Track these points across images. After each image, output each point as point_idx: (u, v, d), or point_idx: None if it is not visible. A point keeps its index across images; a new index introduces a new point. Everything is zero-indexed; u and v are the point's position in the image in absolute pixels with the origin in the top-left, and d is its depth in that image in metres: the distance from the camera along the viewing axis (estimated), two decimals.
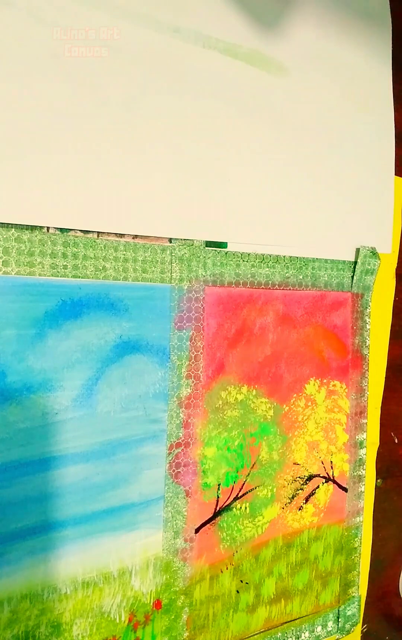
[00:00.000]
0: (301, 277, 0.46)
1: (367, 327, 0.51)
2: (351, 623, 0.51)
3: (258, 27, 0.42)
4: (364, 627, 0.54)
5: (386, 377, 0.54)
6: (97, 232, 0.35)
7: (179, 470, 0.39)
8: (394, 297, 0.54)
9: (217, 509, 0.42)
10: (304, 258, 0.46)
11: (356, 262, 0.49)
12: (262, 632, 0.45)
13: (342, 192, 0.48)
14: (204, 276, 0.40)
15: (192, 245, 0.39)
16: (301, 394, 0.46)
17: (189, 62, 0.39)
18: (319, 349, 0.47)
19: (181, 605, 0.40)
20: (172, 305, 0.39)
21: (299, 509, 0.47)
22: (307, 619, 0.48)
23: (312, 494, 0.48)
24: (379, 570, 0.55)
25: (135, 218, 0.36)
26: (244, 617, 0.44)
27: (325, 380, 0.48)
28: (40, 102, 0.33)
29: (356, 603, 0.52)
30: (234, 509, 0.43)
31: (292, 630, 0.47)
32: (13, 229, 0.32)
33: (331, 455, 0.49)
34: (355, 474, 0.51)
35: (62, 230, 0.34)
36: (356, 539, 0.51)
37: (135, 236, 0.37)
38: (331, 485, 0.49)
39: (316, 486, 0.48)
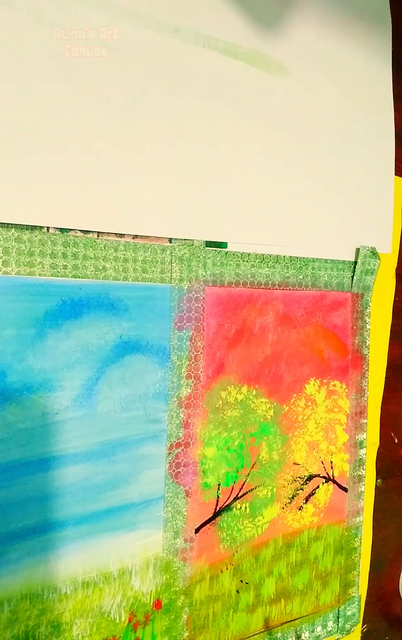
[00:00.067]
0: (301, 277, 0.46)
1: (367, 327, 0.51)
2: (351, 623, 0.51)
3: (258, 27, 0.42)
4: (364, 627, 0.54)
5: (386, 377, 0.54)
6: (97, 232, 0.35)
7: (179, 470, 0.39)
8: (394, 297, 0.54)
9: (217, 509, 0.42)
10: (304, 258, 0.46)
11: (356, 262, 0.49)
12: (262, 632, 0.45)
13: (342, 192, 0.48)
14: (204, 276, 0.40)
15: (192, 245, 0.39)
16: (301, 394, 0.46)
17: (189, 62, 0.39)
18: (319, 349, 0.47)
19: (181, 605, 0.40)
20: (172, 305, 0.39)
21: (299, 509, 0.47)
22: (307, 619, 0.48)
23: (312, 494, 0.48)
24: (379, 570, 0.55)
25: (135, 218, 0.36)
26: (244, 617, 0.44)
27: (325, 380, 0.48)
28: (40, 102, 0.33)
29: (356, 603, 0.52)
30: (234, 509, 0.43)
31: (292, 630, 0.47)
32: (13, 229, 0.32)
33: (331, 455, 0.49)
34: (355, 474, 0.51)
35: (62, 230, 0.34)
36: (356, 539, 0.51)
37: (135, 236, 0.37)
38: (331, 485, 0.49)
39: (316, 486, 0.48)
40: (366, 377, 0.51)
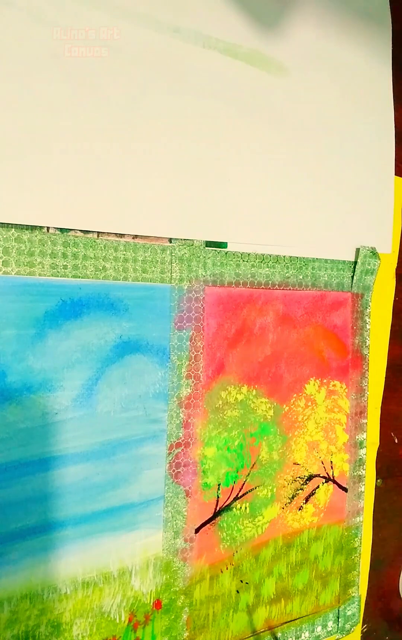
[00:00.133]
0: (301, 277, 0.46)
1: (367, 327, 0.51)
2: (351, 623, 0.51)
3: (258, 27, 0.42)
4: (364, 627, 0.54)
5: (386, 377, 0.54)
6: (97, 232, 0.35)
7: (179, 470, 0.39)
8: (394, 297, 0.54)
9: (217, 509, 0.42)
10: (304, 258, 0.46)
11: (356, 262, 0.49)
12: (262, 632, 0.45)
13: (342, 192, 0.48)
14: (204, 276, 0.40)
15: (192, 245, 0.39)
16: (301, 394, 0.46)
17: (189, 62, 0.39)
18: (319, 349, 0.47)
19: (181, 605, 0.40)
20: (172, 305, 0.39)
21: (299, 509, 0.47)
22: (307, 619, 0.48)
23: (312, 494, 0.48)
24: (379, 570, 0.55)
25: (135, 218, 0.36)
26: (244, 617, 0.44)
27: (325, 380, 0.48)
28: (40, 102, 0.33)
29: (356, 603, 0.52)
30: (234, 509, 0.43)
31: (292, 630, 0.47)
32: (13, 229, 0.32)
33: (331, 455, 0.49)
34: (355, 474, 0.51)
35: (62, 230, 0.34)
36: (356, 539, 0.51)
37: (135, 236, 0.37)
38: (331, 485, 0.49)
39: (316, 486, 0.48)
40: (366, 377, 0.51)
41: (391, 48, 0.52)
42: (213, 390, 0.41)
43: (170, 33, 0.38)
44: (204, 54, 0.39)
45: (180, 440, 0.39)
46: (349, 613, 0.51)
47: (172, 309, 0.39)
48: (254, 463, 0.44)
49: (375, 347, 0.52)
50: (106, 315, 0.36)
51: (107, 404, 0.36)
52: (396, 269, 0.54)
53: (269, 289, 0.44)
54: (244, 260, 0.42)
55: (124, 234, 0.37)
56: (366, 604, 0.54)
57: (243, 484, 0.43)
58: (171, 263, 0.38)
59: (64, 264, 0.34)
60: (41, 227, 0.33)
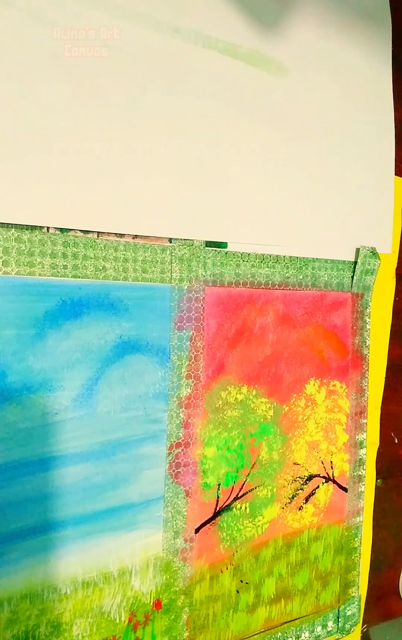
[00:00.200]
0: (301, 277, 0.46)
1: (367, 327, 0.51)
2: (351, 623, 0.51)
3: (258, 27, 0.42)
4: (364, 627, 0.54)
5: (386, 377, 0.54)
6: (97, 232, 0.35)
7: (179, 470, 0.39)
8: (394, 297, 0.54)
9: (217, 509, 0.42)
10: (304, 258, 0.46)
11: (356, 262, 0.49)
12: (262, 632, 0.45)
13: (342, 192, 0.48)
14: (204, 276, 0.40)
15: (192, 245, 0.39)
16: (301, 394, 0.46)
17: (189, 62, 0.39)
18: (319, 349, 0.47)
19: (181, 605, 0.40)
20: (172, 305, 0.39)
21: (299, 509, 0.47)
22: (307, 619, 0.48)
23: (312, 494, 0.48)
24: (379, 570, 0.55)
25: (135, 218, 0.36)
26: (244, 617, 0.44)
27: (325, 380, 0.48)
28: (40, 102, 0.33)
29: (356, 603, 0.52)
30: (234, 509, 0.43)
31: (292, 630, 0.47)
32: (13, 229, 0.32)
33: (331, 455, 0.49)
34: (355, 474, 0.51)
35: (62, 230, 0.34)
36: (356, 539, 0.51)
37: (135, 236, 0.37)
38: (331, 485, 0.49)
39: (316, 486, 0.48)
40: (366, 377, 0.51)
41: (391, 48, 0.52)
42: (213, 390, 0.41)
43: (170, 33, 0.38)
44: (204, 54, 0.39)
45: (180, 440, 0.39)
46: (349, 613, 0.51)
47: (172, 309, 0.39)
48: (254, 463, 0.44)
49: (375, 347, 0.52)
50: (106, 315, 0.36)
51: (107, 404, 0.36)
52: (396, 269, 0.54)
53: (269, 289, 0.44)
54: (244, 260, 0.42)
55: (124, 234, 0.37)
56: (366, 604, 0.54)
57: (243, 484, 0.43)
58: (171, 263, 0.38)
59: (64, 264, 0.34)
60: (41, 227, 0.33)
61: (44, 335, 0.33)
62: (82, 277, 0.35)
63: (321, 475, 0.48)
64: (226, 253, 0.41)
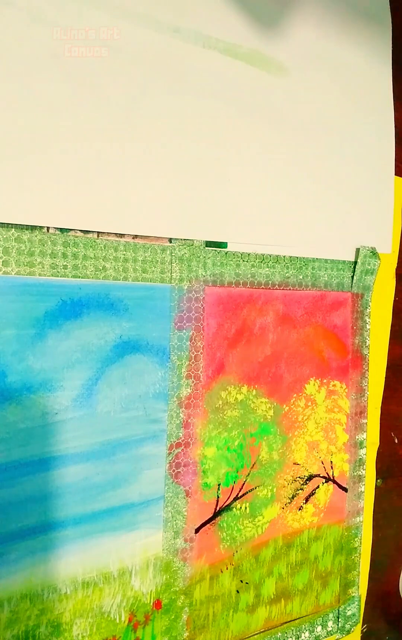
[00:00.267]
0: (301, 277, 0.46)
1: (367, 327, 0.51)
2: (351, 623, 0.51)
3: (258, 27, 0.42)
4: (364, 627, 0.54)
5: (386, 377, 0.54)
6: (97, 232, 0.35)
7: (179, 470, 0.39)
8: (394, 297, 0.54)
9: (217, 509, 0.42)
10: (304, 258, 0.46)
11: (356, 262, 0.49)
12: (262, 632, 0.45)
13: (342, 192, 0.48)
14: (204, 276, 0.40)
15: (192, 245, 0.39)
16: (301, 394, 0.46)
17: (189, 62, 0.39)
18: (319, 349, 0.47)
19: (181, 605, 0.40)
20: (172, 305, 0.39)
21: (299, 509, 0.47)
22: (307, 619, 0.48)
23: (312, 494, 0.48)
24: (379, 570, 0.55)
25: (135, 218, 0.36)
26: (244, 617, 0.44)
27: (325, 380, 0.48)
28: (40, 102, 0.33)
29: (356, 603, 0.52)
30: (234, 509, 0.43)
31: (292, 630, 0.47)
32: (13, 229, 0.32)
33: (331, 455, 0.49)
34: (355, 474, 0.51)
35: (62, 230, 0.34)
36: (356, 539, 0.51)
37: (135, 236, 0.37)
38: (331, 485, 0.49)
39: (316, 486, 0.48)
40: (366, 377, 0.51)
41: (391, 48, 0.52)
42: (213, 390, 0.41)
43: (170, 33, 0.38)
44: (204, 54, 0.39)
45: (180, 440, 0.39)
46: (349, 613, 0.51)
47: (172, 309, 0.39)
48: (254, 463, 0.44)
49: (375, 347, 0.52)
50: (106, 315, 0.36)
51: (107, 404, 0.36)
52: (396, 269, 0.54)
53: (269, 289, 0.44)
54: (244, 260, 0.42)
55: (124, 234, 0.37)
56: (366, 604, 0.54)
57: (243, 484, 0.43)
58: (171, 263, 0.38)
59: (64, 264, 0.34)
60: (41, 227, 0.33)
61: (44, 335, 0.33)
62: (82, 277, 0.35)
63: (321, 475, 0.48)
64: (226, 253, 0.41)
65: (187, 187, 0.39)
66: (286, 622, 0.47)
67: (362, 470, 0.51)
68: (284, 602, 0.47)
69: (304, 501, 0.47)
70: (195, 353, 0.40)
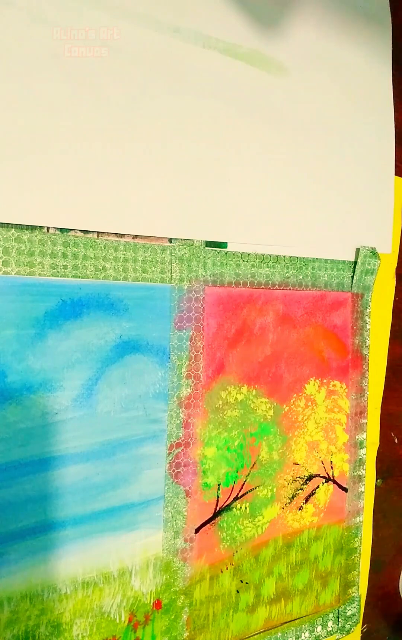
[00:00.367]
0: (301, 277, 0.46)
1: (367, 327, 0.51)
2: (351, 623, 0.51)
3: (258, 27, 0.42)
4: (364, 627, 0.54)
5: (386, 377, 0.54)
6: (97, 232, 0.35)
7: (179, 470, 0.39)
8: (394, 297, 0.54)
9: (217, 509, 0.42)
10: (304, 258, 0.46)
11: (356, 262, 0.49)
12: (262, 632, 0.45)
13: (342, 192, 0.48)
14: (204, 276, 0.40)
15: (192, 245, 0.39)
16: (301, 394, 0.46)
17: (189, 62, 0.39)
18: (319, 349, 0.47)
19: (181, 605, 0.40)
20: (172, 305, 0.39)
21: (299, 509, 0.47)
22: (307, 619, 0.48)
23: (312, 494, 0.48)
24: (379, 570, 0.55)
25: (135, 218, 0.36)
26: (244, 617, 0.44)
27: (325, 380, 0.48)
28: (40, 102, 0.33)
29: (356, 603, 0.52)
30: (234, 509, 0.43)
31: (292, 630, 0.47)
32: (13, 229, 0.32)
33: (331, 455, 0.49)
34: (355, 474, 0.51)
35: (62, 230, 0.34)
36: (356, 539, 0.51)
37: (135, 236, 0.37)
38: (331, 485, 0.49)
39: (316, 486, 0.48)
40: (366, 377, 0.51)
41: (391, 48, 0.52)
42: (213, 390, 0.41)
43: (170, 33, 0.38)
44: (204, 54, 0.39)
45: (180, 440, 0.39)
46: (349, 613, 0.51)
47: (172, 309, 0.39)
48: (254, 463, 0.44)
49: (375, 347, 0.52)
50: (106, 315, 0.36)
51: (107, 404, 0.36)
52: (396, 269, 0.54)
53: (269, 289, 0.44)
54: (244, 260, 0.42)
55: (124, 234, 0.37)
56: (366, 604, 0.54)
57: (243, 484, 0.43)
58: (171, 263, 0.38)
59: (64, 264, 0.34)
60: (41, 227, 0.33)
61: (44, 335, 0.33)
62: (82, 277, 0.35)
63: (321, 475, 0.48)
64: (226, 253, 0.41)
65: (187, 187, 0.39)
66: (286, 622, 0.47)
67: (362, 470, 0.51)
68: (284, 602, 0.47)
69: (304, 501, 0.47)
70: (195, 353, 0.40)
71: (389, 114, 0.52)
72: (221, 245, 0.41)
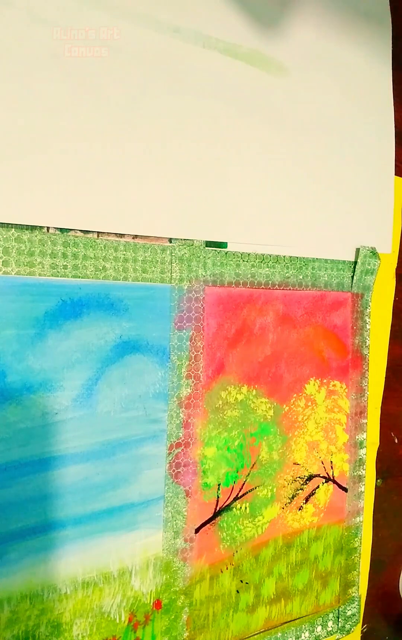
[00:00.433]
0: (301, 277, 0.46)
1: (367, 327, 0.51)
2: (351, 623, 0.51)
3: (258, 27, 0.42)
4: (364, 627, 0.54)
5: (386, 377, 0.54)
6: (97, 232, 0.35)
7: (179, 470, 0.39)
8: (394, 297, 0.54)
9: (217, 509, 0.42)
10: (304, 258, 0.46)
11: (356, 262, 0.49)
12: (262, 632, 0.45)
13: (342, 192, 0.48)
14: (204, 276, 0.40)
15: (192, 245, 0.39)
16: (301, 394, 0.46)
17: (189, 62, 0.39)
18: (319, 349, 0.47)
19: (181, 605, 0.40)
20: (172, 305, 0.39)
21: (299, 509, 0.47)
22: (307, 619, 0.48)
23: (312, 494, 0.48)
24: (379, 570, 0.55)
25: (135, 218, 0.36)
26: (244, 617, 0.44)
27: (325, 380, 0.48)
28: (40, 102, 0.33)
29: (356, 603, 0.52)
30: (234, 509, 0.43)
31: (292, 630, 0.47)
32: (13, 229, 0.32)
33: (331, 455, 0.49)
34: (355, 474, 0.51)
35: (62, 230, 0.34)
36: (356, 539, 0.51)
37: (135, 236, 0.37)
38: (331, 485, 0.49)
39: (316, 486, 0.48)
40: (366, 377, 0.51)
41: (391, 48, 0.52)
42: (213, 390, 0.41)
43: (170, 33, 0.38)
44: (204, 54, 0.39)
45: (180, 440, 0.39)
46: (349, 613, 0.51)
47: (172, 309, 0.39)
48: (254, 463, 0.44)
49: (375, 347, 0.52)
50: (106, 315, 0.36)
51: (107, 404, 0.36)
52: (396, 269, 0.54)
53: (269, 289, 0.44)
54: (244, 260, 0.42)
55: (124, 234, 0.37)
56: (366, 604, 0.54)
57: (243, 484, 0.43)
58: (171, 263, 0.38)
59: (64, 264, 0.34)
60: (41, 227, 0.33)
61: (44, 335, 0.33)
62: (82, 277, 0.35)
63: (321, 475, 0.48)
64: (226, 253, 0.41)
65: (187, 187, 0.39)
66: (286, 622, 0.47)
67: (362, 470, 0.51)
68: (284, 602, 0.47)
69: (304, 501, 0.47)
70: (195, 353, 0.40)
71: (389, 114, 0.52)
72: (221, 245, 0.41)
